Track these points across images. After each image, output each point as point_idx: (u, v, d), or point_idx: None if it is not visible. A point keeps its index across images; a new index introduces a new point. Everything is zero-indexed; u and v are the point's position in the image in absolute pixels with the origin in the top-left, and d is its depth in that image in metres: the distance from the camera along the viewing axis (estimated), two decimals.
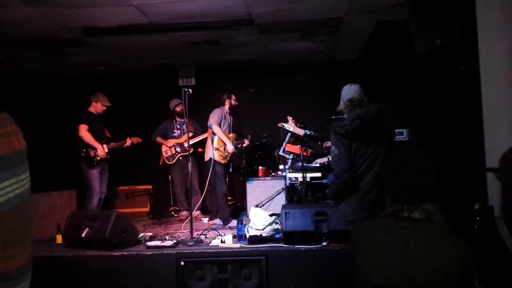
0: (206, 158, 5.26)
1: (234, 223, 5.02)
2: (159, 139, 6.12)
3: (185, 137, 5.62)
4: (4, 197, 0.76)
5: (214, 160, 5.09)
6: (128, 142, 5.60)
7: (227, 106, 5.44)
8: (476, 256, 1.57)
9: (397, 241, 1.53)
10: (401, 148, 1.68)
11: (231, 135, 5.44)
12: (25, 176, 0.82)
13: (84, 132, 5.20)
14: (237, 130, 5.91)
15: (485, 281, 2.17)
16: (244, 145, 5.63)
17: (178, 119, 6.16)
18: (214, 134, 5.21)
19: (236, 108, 5.59)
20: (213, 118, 5.21)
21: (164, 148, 6.12)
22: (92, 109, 5.42)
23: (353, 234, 1.71)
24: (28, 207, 0.83)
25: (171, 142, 6.08)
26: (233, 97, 5.49)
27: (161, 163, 6.21)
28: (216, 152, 5.13)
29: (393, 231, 1.56)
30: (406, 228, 1.54)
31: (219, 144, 5.19)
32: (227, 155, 5.24)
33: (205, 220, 5.58)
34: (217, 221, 5.25)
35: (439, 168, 1.60)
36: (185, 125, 5.39)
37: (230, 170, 5.74)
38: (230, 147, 5.18)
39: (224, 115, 5.34)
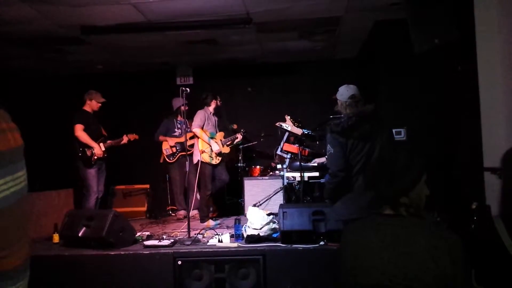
0: (195, 161, 5.34)
1: (212, 222, 5.15)
2: (161, 138, 6.14)
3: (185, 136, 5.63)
4: None
5: (202, 162, 5.21)
6: (125, 139, 5.57)
7: (212, 107, 5.51)
8: (473, 255, 1.58)
9: (386, 239, 1.55)
10: (385, 150, 1.72)
11: (218, 134, 5.51)
12: (22, 173, 0.81)
13: (80, 132, 5.17)
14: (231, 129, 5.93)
15: (483, 280, 2.17)
16: (237, 140, 5.67)
17: (179, 118, 6.16)
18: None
19: (220, 108, 5.69)
20: (195, 122, 5.34)
21: (164, 147, 6.11)
22: (87, 107, 5.38)
23: (343, 236, 1.72)
24: (24, 205, 0.82)
25: (173, 140, 6.08)
26: (219, 98, 5.59)
27: (161, 161, 6.20)
28: (203, 154, 5.23)
29: (382, 229, 1.58)
30: (394, 225, 1.57)
31: (203, 146, 5.28)
32: (216, 156, 5.34)
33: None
34: (211, 221, 5.25)
35: (420, 166, 1.62)
36: (185, 124, 5.40)
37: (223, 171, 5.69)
38: (216, 147, 5.30)
39: (208, 116, 5.44)
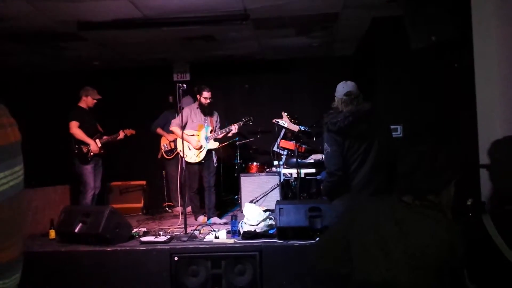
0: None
1: (201, 219, 5.12)
2: (159, 130, 6.06)
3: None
4: None
5: (186, 162, 5.01)
6: (121, 134, 5.53)
7: (197, 102, 5.18)
8: (467, 253, 1.61)
9: (396, 216, 1.65)
10: (420, 145, 1.76)
11: (203, 129, 5.15)
12: (19, 168, 0.82)
13: (75, 129, 5.14)
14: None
15: (476, 279, 2.18)
16: (233, 131, 5.18)
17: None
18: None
19: (206, 104, 5.11)
20: (175, 120, 5.02)
21: (163, 142, 6.08)
22: (82, 104, 5.35)
23: (358, 202, 1.87)
24: (21, 200, 0.83)
25: (171, 136, 5.93)
26: (204, 93, 5.05)
27: (159, 157, 6.17)
28: (186, 158, 5.01)
29: (397, 209, 1.68)
30: (408, 210, 1.66)
31: (180, 147, 4.90)
32: (196, 154, 5.05)
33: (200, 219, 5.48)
34: (206, 218, 5.22)
35: (458, 167, 1.70)
36: None
37: (215, 164, 5.30)
38: (194, 143, 4.97)
39: (193, 112, 5.11)
